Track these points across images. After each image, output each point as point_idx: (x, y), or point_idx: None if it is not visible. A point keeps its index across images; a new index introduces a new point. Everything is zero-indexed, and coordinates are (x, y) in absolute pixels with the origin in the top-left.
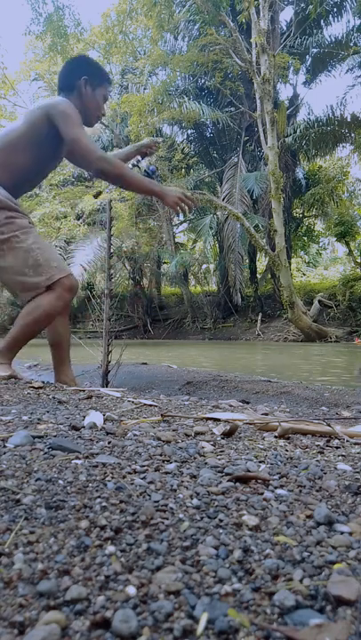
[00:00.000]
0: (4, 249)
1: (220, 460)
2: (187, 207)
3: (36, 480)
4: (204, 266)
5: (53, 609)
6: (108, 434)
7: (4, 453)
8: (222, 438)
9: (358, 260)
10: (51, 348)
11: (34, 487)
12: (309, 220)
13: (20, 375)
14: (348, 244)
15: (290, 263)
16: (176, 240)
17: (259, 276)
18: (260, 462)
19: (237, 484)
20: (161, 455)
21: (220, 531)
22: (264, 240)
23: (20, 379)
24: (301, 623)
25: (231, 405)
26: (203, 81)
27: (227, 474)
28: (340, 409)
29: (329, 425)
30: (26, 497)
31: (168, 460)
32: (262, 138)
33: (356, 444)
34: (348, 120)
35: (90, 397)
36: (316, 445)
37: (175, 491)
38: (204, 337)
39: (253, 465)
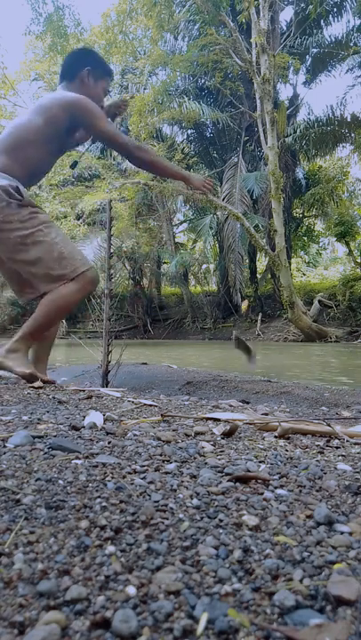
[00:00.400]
0: (29, 243)
1: (220, 460)
2: (209, 188)
3: (36, 480)
4: (204, 266)
5: (53, 609)
6: (108, 434)
7: (4, 453)
8: (222, 438)
9: (358, 260)
10: (36, 342)
11: (34, 487)
12: (309, 220)
13: (37, 373)
14: (348, 244)
15: (290, 263)
16: (176, 240)
17: (259, 275)
18: (260, 462)
19: (237, 483)
20: (161, 455)
21: (220, 531)
22: (264, 240)
23: (41, 379)
24: (301, 623)
25: (231, 405)
26: (203, 81)
27: (227, 474)
28: (340, 409)
29: (329, 425)
30: (26, 497)
31: (168, 460)
32: (262, 138)
33: (356, 443)
34: (349, 120)
35: (90, 397)
36: (316, 445)
37: (175, 491)
38: (204, 337)
39: (253, 465)
